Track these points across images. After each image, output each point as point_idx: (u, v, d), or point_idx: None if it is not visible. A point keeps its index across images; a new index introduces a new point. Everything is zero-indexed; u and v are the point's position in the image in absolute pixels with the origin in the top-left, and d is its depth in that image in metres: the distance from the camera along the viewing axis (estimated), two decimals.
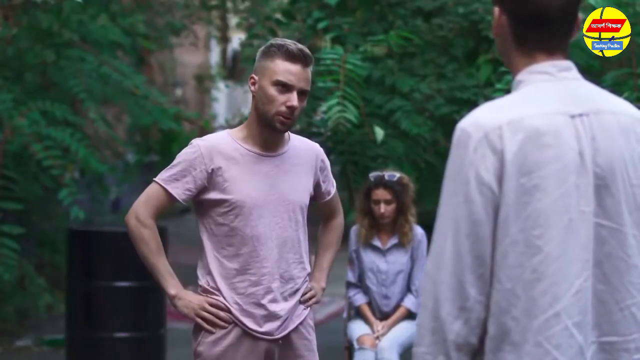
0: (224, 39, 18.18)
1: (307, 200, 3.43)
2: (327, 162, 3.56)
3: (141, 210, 3.32)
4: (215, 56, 19.38)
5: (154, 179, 3.36)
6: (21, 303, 7.98)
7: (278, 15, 8.10)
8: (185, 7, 12.28)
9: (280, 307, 3.35)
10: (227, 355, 3.32)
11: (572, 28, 2.03)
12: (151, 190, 3.35)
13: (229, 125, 15.51)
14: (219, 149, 3.31)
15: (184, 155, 3.32)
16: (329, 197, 3.60)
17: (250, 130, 3.37)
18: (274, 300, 3.34)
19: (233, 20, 15.03)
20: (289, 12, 7.86)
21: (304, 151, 3.45)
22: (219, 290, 3.33)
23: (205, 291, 3.37)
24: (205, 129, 14.05)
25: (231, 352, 3.32)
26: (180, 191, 3.29)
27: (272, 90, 3.27)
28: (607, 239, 1.96)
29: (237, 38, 16.95)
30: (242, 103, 19.02)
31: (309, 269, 3.50)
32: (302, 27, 7.56)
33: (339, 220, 3.71)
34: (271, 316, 3.34)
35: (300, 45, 3.33)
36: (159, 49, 12.30)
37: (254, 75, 3.35)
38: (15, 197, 6.85)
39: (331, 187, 3.60)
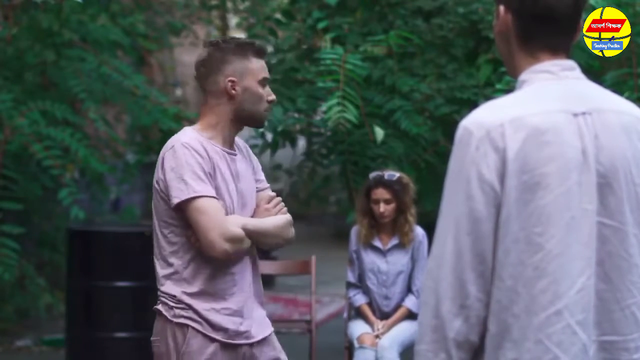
0: None
1: (255, 200, 3.40)
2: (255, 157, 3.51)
3: (223, 230, 3.16)
4: None
5: (195, 195, 3.14)
6: (21, 303, 7.97)
7: (278, 15, 8.10)
8: (185, 7, 12.27)
9: (252, 310, 3.33)
10: None
11: (576, 28, 2.05)
12: (207, 206, 3.16)
13: None
14: (207, 148, 3.24)
15: (190, 160, 3.18)
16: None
17: (221, 130, 3.29)
18: (250, 303, 3.32)
19: (233, 20, 15.02)
20: (289, 12, 7.86)
21: (246, 150, 3.45)
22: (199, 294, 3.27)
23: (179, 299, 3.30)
24: None
25: (217, 359, 3.25)
26: (215, 194, 3.22)
27: (260, 89, 3.30)
28: (608, 237, 1.96)
29: None
30: None
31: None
32: (302, 27, 7.57)
33: None
34: (248, 316, 3.32)
35: (258, 42, 3.43)
36: (159, 49, 12.29)
37: (233, 79, 3.28)
38: (15, 197, 6.85)
39: (265, 180, 3.50)
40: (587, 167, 1.94)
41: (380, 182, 5.41)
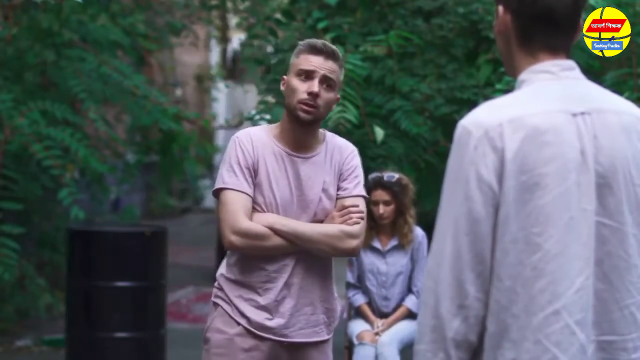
0: (224, 39, 18.19)
1: (331, 207, 3.37)
2: (354, 163, 3.44)
3: (233, 223, 3.23)
4: (215, 56, 19.40)
5: (222, 187, 3.28)
6: (21, 303, 7.98)
7: (278, 15, 8.10)
8: (185, 7, 12.29)
9: (292, 311, 3.33)
10: (233, 343, 3.33)
11: (576, 29, 2.05)
12: (228, 198, 3.26)
13: (229, 125, 15.50)
14: (257, 144, 3.32)
15: (232, 153, 3.30)
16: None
17: (283, 128, 3.37)
18: (288, 303, 3.33)
19: (233, 20, 15.03)
20: (289, 12, 7.85)
21: (332, 153, 3.40)
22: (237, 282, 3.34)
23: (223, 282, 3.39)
24: (205, 129, 14.07)
25: (238, 340, 3.32)
26: (249, 188, 3.28)
27: (295, 81, 3.31)
28: (607, 237, 1.96)
29: (237, 38, 16.96)
30: (242, 103, 19.03)
31: (333, 289, 3.47)
32: (302, 27, 7.56)
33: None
34: (280, 316, 3.32)
35: (324, 41, 3.38)
36: (159, 49, 12.30)
37: (284, 76, 3.40)
38: (15, 197, 6.85)
39: (353, 188, 3.45)
40: (585, 168, 1.94)
41: (380, 184, 5.41)
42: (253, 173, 3.28)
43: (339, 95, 3.41)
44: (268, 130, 3.39)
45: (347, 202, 3.38)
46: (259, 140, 3.32)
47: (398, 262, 5.47)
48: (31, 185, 7.72)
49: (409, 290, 5.51)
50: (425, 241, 5.46)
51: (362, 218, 3.39)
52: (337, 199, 3.39)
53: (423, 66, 7.19)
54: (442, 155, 6.70)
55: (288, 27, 7.71)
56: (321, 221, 3.35)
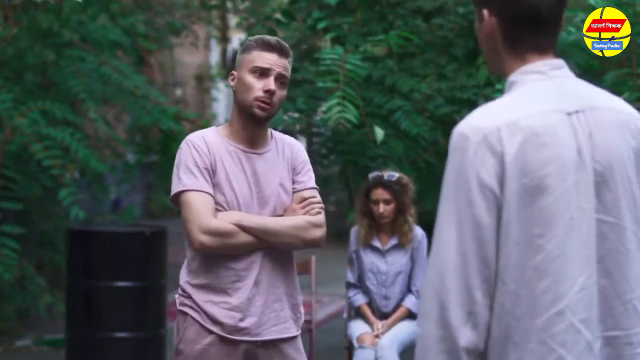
0: (224, 39, 18.18)
1: (289, 201, 3.39)
2: (305, 157, 3.47)
3: (202, 223, 3.20)
4: (215, 56, 19.38)
5: (183, 189, 3.25)
6: (21, 303, 7.97)
7: (278, 15, 8.10)
8: (185, 7, 12.28)
9: (262, 308, 3.32)
10: (208, 353, 3.30)
11: (559, 27, 2.04)
12: (192, 199, 3.24)
13: None
14: (212, 144, 3.30)
15: (187, 156, 3.28)
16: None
17: (234, 127, 3.36)
18: (258, 301, 3.31)
19: (233, 20, 15.03)
20: (289, 12, 7.86)
21: (284, 149, 3.43)
22: (204, 287, 3.31)
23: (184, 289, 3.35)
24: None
25: (213, 350, 3.30)
26: (209, 188, 3.26)
27: (250, 78, 3.30)
28: (607, 234, 1.96)
29: (237, 38, 16.95)
30: None
31: (297, 284, 3.47)
32: (302, 27, 7.57)
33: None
34: (252, 314, 3.30)
35: (276, 38, 3.37)
36: (159, 49, 12.30)
37: (233, 72, 3.38)
38: (15, 197, 6.85)
39: (308, 180, 3.46)
40: (583, 167, 1.94)
41: (380, 183, 5.41)
42: (211, 173, 3.26)
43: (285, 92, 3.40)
44: (217, 131, 3.38)
45: (306, 194, 3.39)
46: (212, 141, 3.30)
47: (398, 261, 5.47)
48: (31, 185, 7.72)
49: (408, 289, 5.51)
50: (425, 241, 5.46)
51: (322, 208, 3.41)
52: (293, 192, 3.39)
53: (423, 66, 7.20)
54: (442, 155, 6.70)
55: (288, 27, 7.71)
56: (281, 215, 3.35)
